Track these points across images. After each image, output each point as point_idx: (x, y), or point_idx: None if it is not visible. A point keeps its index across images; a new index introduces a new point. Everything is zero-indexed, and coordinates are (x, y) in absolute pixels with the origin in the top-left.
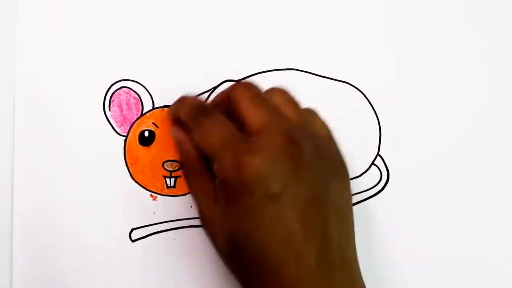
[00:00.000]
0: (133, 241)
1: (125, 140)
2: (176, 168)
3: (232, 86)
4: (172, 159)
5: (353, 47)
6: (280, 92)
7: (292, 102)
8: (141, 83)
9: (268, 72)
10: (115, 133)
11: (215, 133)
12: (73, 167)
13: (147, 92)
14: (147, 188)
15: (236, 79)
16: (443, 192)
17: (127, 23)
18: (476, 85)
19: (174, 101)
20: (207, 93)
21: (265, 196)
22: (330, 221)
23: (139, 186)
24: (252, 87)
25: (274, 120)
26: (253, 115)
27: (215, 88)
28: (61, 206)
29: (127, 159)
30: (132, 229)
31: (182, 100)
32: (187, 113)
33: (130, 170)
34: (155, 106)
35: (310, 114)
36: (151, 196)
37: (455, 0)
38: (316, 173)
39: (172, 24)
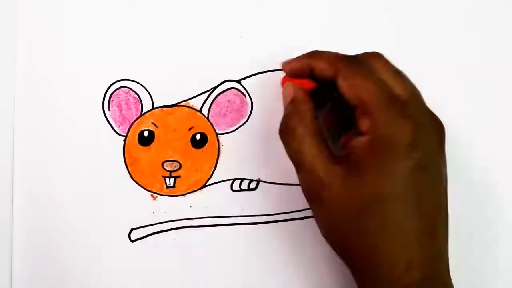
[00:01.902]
0: (132, 241)
1: (124, 140)
2: (176, 168)
3: (366, 54)
4: (171, 159)
5: (352, 47)
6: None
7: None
8: (141, 83)
9: (268, 72)
10: (114, 133)
11: (374, 86)
12: (72, 167)
13: (147, 92)
14: (147, 188)
15: (236, 79)
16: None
17: (127, 23)
18: (476, 86)
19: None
20: (207, 93)
21: (415, 166)
22: (444, 201)
23: (139, 186)
24: (388, 61)
25: (419, 96)
26: (401, 84)
27: (215, 88)
28: (60, 206)
29: (126, 159)
30: (132, 229)
31: (318, 52)
32: (332, 61)
33: (130, 170)
34: (154, 106)
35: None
36: (151, 196)
37: (455, 0)
38: (444, 153)
39: (172, 24)
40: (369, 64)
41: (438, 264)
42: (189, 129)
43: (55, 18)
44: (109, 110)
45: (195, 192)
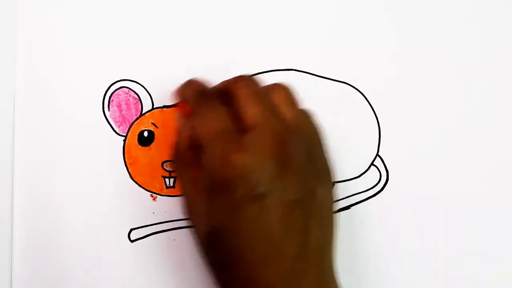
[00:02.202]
0: (132, 241)
1: (124, 140)
2: None
3: (234, 79)
4: (171, 159)
5: (352, 47)
6: (280, 90)
7: (291, 101)
8: (141, 83)
9: (268, 73)
10: (114, 133)
11: (211, 122)
12: (72, 167)
13: (147, 92)
14: (146, 188)
15: None
16: (442, 192)
17: (127, 23)
18: (475, 86)
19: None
20: None
21: (248, 196)
22: (311, 227)
23: (138, 186)
24: (253, 83)
25: (268, 120)
26: (248, 112)
27: None
28: (60, 206)
29: (126, 159)
30: (131, 229)
31: (189, 83)
32: (191, 97)
33: (129, 170)
34: (154, 106)
35: (306, 116)
36: (151, 196)
37: (455, 0)
38: (302, 178)
39: (172, 24)
40: (229, 93)
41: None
42: None
43: (55, 18)
44: (109, 110)
45: None
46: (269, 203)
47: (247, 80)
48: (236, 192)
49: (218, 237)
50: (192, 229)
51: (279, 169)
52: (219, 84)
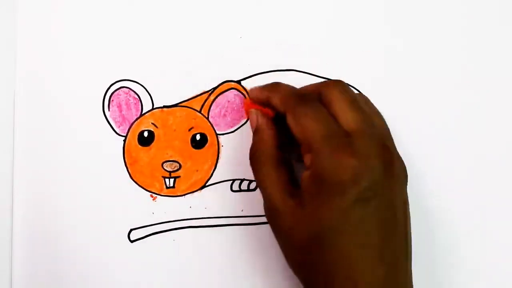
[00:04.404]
0: (132, 241)
1: (124, 140)
2: (175, 168)
3: (326, 83)
4: (171, 159)
5: (352, 48)
6: (366, 99)
7: (377, 111)
8: (141, 83)
9: (268, 73)
10: (114, 133)
11: (317, 124)
12: (72, 167)
13: (147, 92)
14: (146, 188)
15: (236, 79)
16: (442, 193)
17: (127, 23)
18: (475, 86)
19: (260, 85)
20: (207, 93)
21: (358, 199)
22: (407, 231)
23: (138, 187)
24: (348, 89)
25: (369, 126)
26: (351, 117)
27: (215, 88)
28: (60, 206)
29: (126, 159)
30: (131, 230)
31: (277, 85)
32: (284, 98)
33: (129, 170)
34: (154, 107)
35: (386, 124)
36: (150, 196)
37: (453, 1)
38: (401, 181)
39: (172, 24)
40: (323, 96)
41: None
42: (189, 130)
43: (55, 18)
44: (109, 110)
45: (195, 193)
46: (374, 206)
47: (341, 86)
48: (346, 194)
49: (323, 239)
50: (275, 232)
51: (384, 174)
52: (308, 87)
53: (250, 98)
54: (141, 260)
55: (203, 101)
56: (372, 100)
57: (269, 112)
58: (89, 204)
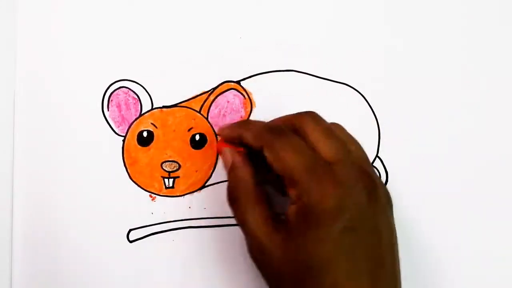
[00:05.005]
0: (131, 241)
1: (123, 141)
2: (175, 168)
3: (296, 115)
4: (170, 159)
5: (352, 48)
6: (341, 128)
7: (352, 138)
8: (140, 83)
9: (268, 73)
10: (113, 133)
11: (298, 156)
12: (71, 167)
13: (146, 93)
14: (145, 188)
15: (236, 79)
16: (441, 193)
17: (127, 23)
18: (475, 86)
19: (235, 126)
20: (207, 94)
21: (345, 227)
22: (395, 256)
23: (137, 187)
24: (321, 119)
25: (348, 153)
26: (329, 146)
27: (214, 88)
28: (60, 206)
29: (125, 160)
30: (130, 230)
31: (247, 122)
32: (258, 134)
33: (129, 171)
34: (154, 107)
35: (363, 149)
36: (150, 196)
37: (453, 1)
38: (384, 205)
39: (171, 24)
40: (298, 128)
41: None
42: (189, 130)
43: (55, 18)
44: (108, 110)
45: (194, 193)
46: (361, 235)
47: (314, 116)
48: (333, 224)
49: (316, 270)
50: (263, 269)
51: (368, 199)
52: (278, 120)
53: (221, 137)
54: (140, 260)
55: (203, 101)
56: (372, 100)
57: (242, 150)
58: (88, 204)
